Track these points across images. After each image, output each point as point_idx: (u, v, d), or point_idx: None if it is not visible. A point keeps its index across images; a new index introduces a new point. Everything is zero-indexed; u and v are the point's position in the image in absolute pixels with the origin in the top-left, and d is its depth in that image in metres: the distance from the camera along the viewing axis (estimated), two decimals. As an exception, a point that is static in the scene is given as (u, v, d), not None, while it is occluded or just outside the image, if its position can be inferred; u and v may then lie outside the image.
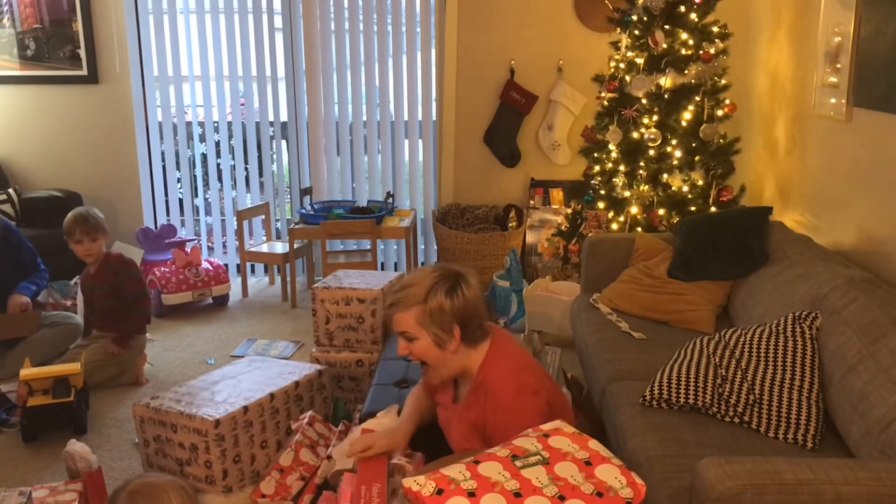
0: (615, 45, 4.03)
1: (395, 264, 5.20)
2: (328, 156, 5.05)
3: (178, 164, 5.18)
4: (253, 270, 5.27)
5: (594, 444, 1.62)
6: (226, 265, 4.75)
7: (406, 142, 5.06)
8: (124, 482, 1.73)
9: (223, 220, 5.39)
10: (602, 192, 3.99)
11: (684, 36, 3.71)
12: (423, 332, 1.97)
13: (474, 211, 4.88)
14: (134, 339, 3.52)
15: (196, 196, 5.21)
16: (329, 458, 2.59)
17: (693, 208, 3.71)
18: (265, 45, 4.88)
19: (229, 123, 5.03)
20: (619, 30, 3.97)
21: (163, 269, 4.39)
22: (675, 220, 3.71)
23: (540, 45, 4.71)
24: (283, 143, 5.12)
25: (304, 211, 4.66)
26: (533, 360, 2.10)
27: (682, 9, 3.71)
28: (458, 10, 4.67)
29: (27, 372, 2.98)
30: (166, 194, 5.17)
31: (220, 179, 5.14)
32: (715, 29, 3.74)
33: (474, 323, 2.00)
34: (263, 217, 5.01)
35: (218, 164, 5.09)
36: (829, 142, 3.16)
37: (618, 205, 3.92)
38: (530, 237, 4.79)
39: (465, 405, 2.03)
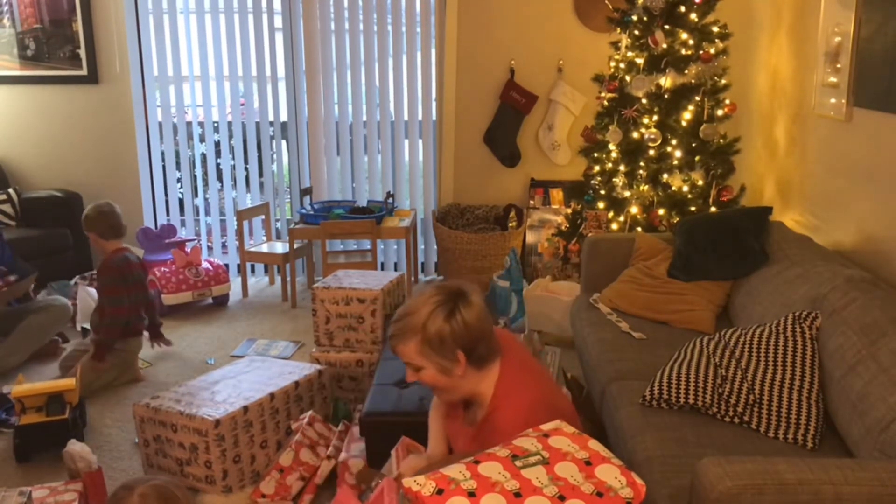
0: (615, 45, 4.03)
1: (395, 264, 5.20)
2: (328, 156, 5.05)
3: (178, 164, 5.18)
4: (253, 270, 5.27)
5: (594, 444, 1.62)
6: (226, 265, 4.75)
7: (406, 142, 5.06)
8: (126, 487, 1.66)
9: (223, 220, 5.39)
10: (602, 192, 3.99)
11: (684, 36, 3.72)
12: (426, 361, 1.89)
13: (474, 211, 4.88)
14: (108, 351, 3.34)
15: (196, 196, 5.20)
16: (330, 458, 2.59)
17: (693, 208, 3.71)
18: (265, 45, 4.88)
19: (229, 123, 5.03)
20: (619, 30, 3.97)
21: (163, 269, 4.39)
22: (675, 220, 3.71)
23: (540, 45, 4.70)
24: (283, 143, 5.12)
25: (304, 211, 4.66)
26: (546, 387, 1.97)
27: (682, 9, 3.71)
28: (458, 10, 4.67)
29: (20, 388, 2.84)
30: (166, 194, 5.17)
31: (220, 179, 5.14)
32: (715, 29, 3.74)
33: (480, 345, 1.90)
34: (263, 217, 5.01)
35: (218, 164, 5.09)
36: (829, 142, 3.16)
37: (618, 205, 3.93)
38: (530, 237, 4.79)
39: (477, 430, 1.96)
